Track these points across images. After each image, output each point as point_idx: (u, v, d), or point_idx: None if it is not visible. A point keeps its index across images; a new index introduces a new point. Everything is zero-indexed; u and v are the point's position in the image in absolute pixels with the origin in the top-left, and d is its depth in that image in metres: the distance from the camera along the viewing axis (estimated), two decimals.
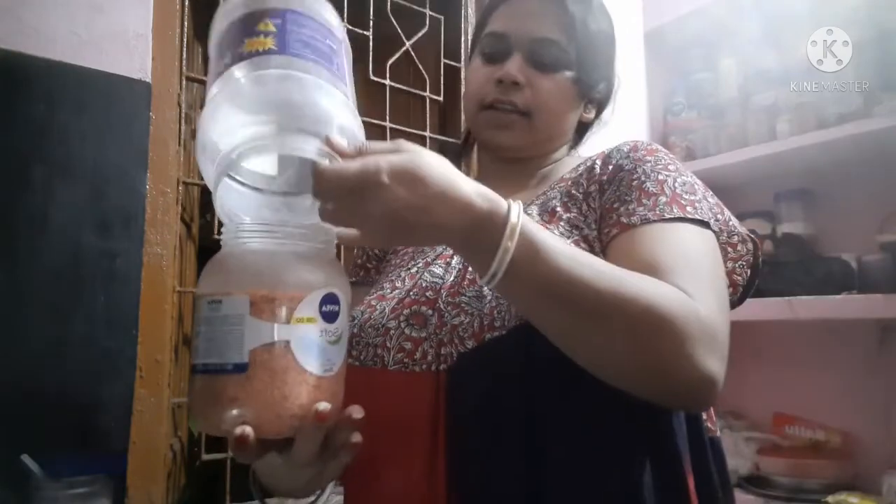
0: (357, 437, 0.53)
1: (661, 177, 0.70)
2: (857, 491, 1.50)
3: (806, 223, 1.77)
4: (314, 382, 0.50)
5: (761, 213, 1.83)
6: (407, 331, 0.69)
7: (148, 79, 1.12)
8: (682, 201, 0.68)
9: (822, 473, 1.57)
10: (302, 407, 0.49)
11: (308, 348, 0.50)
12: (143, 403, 1.06)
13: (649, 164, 0.71)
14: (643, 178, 0.70)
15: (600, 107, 0.89)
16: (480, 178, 0.90)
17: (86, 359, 1.02)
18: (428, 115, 1.63)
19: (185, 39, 1.22)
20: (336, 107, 0.54)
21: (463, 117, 1.68)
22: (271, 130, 0.51)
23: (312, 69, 0.53)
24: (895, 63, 1.50)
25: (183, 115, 1.20)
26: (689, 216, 0.66)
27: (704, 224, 0.67)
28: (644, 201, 0.67)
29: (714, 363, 0.56)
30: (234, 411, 0.48)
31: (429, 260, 0.77)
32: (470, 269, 0.71)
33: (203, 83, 1.34)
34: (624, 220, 0.67)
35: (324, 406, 0.49)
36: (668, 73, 2.08)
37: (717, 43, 1.97)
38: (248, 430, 0.47)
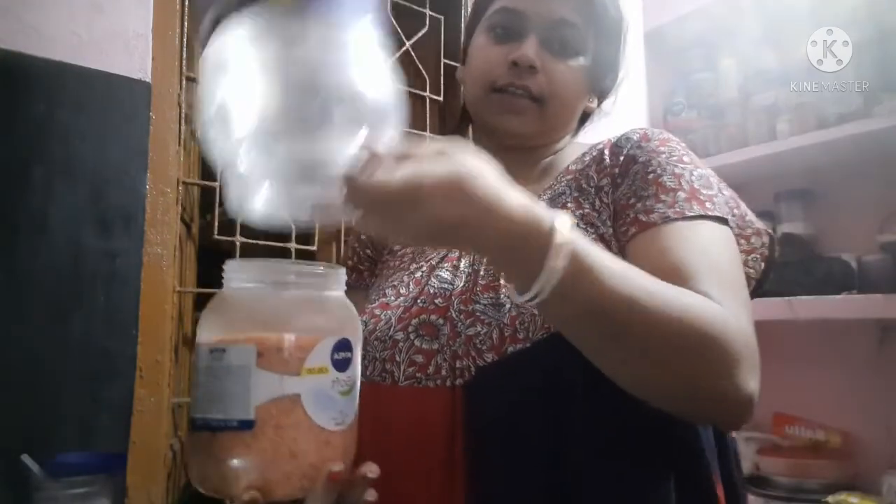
0: (372, 496, 0.49)
1: (677, 170, 0.66)
2: (857, 491, 1.50)
3: (806, 223, 1.77)
4: (326, 438, 0.46)
5: (761, 213, 1.81)
6: (417, 342, 0.65)
7: (148, 79, 1.12)
8: (701, 196, 0.64)
9: (822, 473, 1.57)
10: (313, 466, 0.46)
11: (319, 401, 0.46)
12: (143, 403, 1.06)
13: (664, 156, 0.68)
14: (659, 172, 0.66)
15: (602, 97, 0.85)
16: None
17: (86, 359, 1.02)
18: (428, 115, 1.63)
19: (185, 39, 1.22)
20: (378, 93, 0.47)
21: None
22: (308, 124, 0.44)
23: (351, 31, 0.45)
24: (895, 63, 1.50)
25: (183, 115, 1.20)
26: (710, 213, 0.63)
27: (723, 221, 0.64)
28: (662, 197, 0.64)
29: (753, 382, 0.55)
30: (240, 472, 0.44)
31: (433, 263, 0.73)
32: (482, 273, 0.67)
33: None
34: (643, 217, 0.63)
35: (338, 467, 0.46)
36: (668, 73, 2.08)
37: (717, 43, 1.97)
38: (256, 494, 0.44)
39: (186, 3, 1.22)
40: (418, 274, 0.73)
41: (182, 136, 1.19)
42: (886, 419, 1.59)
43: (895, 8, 1.54)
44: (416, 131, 1.61)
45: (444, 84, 1.65)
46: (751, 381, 0.54)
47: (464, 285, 0.67)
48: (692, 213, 0.62)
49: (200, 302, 1.61)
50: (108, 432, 1.02)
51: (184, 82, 1.21)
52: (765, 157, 1.72)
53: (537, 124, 0.77)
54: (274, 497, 0.45)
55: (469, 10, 1.71)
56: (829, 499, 1.48)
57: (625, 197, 0.67)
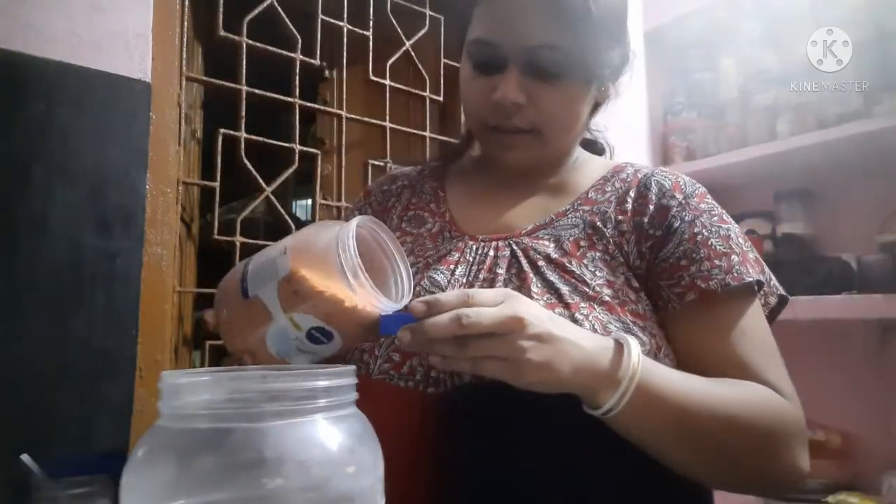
0: None
1: (723, 231, 0.69)
2: (857, 491, 1.51)
3: (806, 223, 1.77)
4: (264, 352, 0.57)
5: (761, 213, 1.83)
6: (396, 341, 0.65)
7: (148, 79, 1.12)
8: (752, 257, 0.69)
9: (822, 473, 1.57)
10: (243, 350, 0.59)
11: (278, 338, 0.55)
12: (143, 403, 1.06)
13: (706, 215, 0.70)
14: (706, 234, 0.68)
15: (615, 76, 0.77)
16: (487, 175, 0.82)
17: (86, 359, 1.02)
18: (428, 116, 1.63)
19: (185, 39, 1.22)
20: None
21: (463, 118, 1.68)
22: None
23: None
24: (895, 63, 1.50)
25: (183, 115, 1.20)
26: (762, 277, 0.69)
27: (762, 283, 0.69)
28: (717, 262, 0.66)
29: (806, 457, 0.63)
30: (226, 326, 0.59)
31: (430, 261, 0.72)
32: (476, 286, 0.67)
33: (203, 83, 1.34)
34: (702, 284, 0.65)
35: (248, 359, 0.58)
36: (668, 73, 2.08)
37: (717, 43, 1.97)
38: (212, 321, 0.56)
39: (186, 3, 1.22)
40: (413, 269, 0.70)
41: (182, 136, 1.19)
42: (886, 419, 1.59)
43: (895, 8, 1.54)
44: (416, 131, 1.61)
45: (444, 84, 1.65)
46: (805, 459, 0.63)
47: None
48: (750, 278, 0.66)
49: (200, 302, 1.61)
50: (108, 432, 1.02)
51: (184, 82, 1.21)
52: (765, 157, 1.72)
53: (538, 152, 0.74)
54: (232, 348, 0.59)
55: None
56: (829, 499, 1.48)
57: (674, 257, 0.68)
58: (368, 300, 0.54)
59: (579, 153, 0.81)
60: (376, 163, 1.53)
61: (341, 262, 0.53)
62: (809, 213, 1.78)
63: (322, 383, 0.40)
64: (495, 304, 0.53)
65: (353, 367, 0.45)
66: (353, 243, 0.53)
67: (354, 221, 0.56)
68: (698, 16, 1.92)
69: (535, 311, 0.54)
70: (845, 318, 1.56)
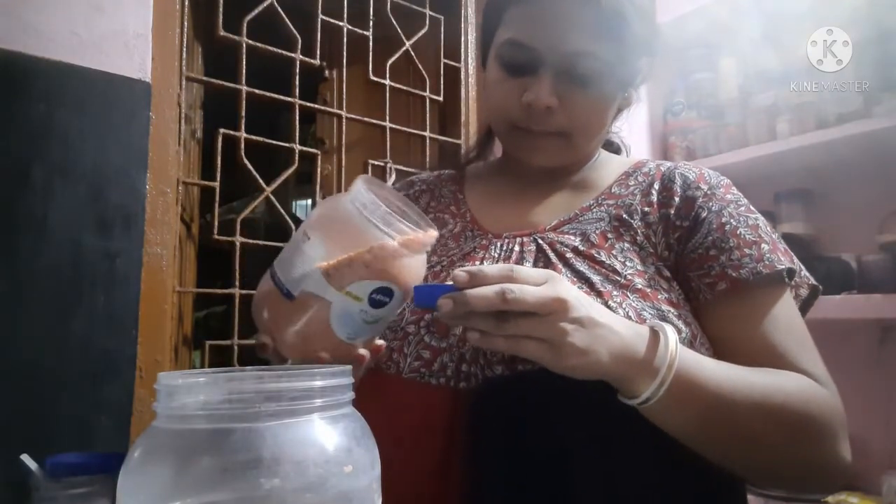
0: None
1: (751, 220, 0.69)
2: (857, 491, 1.50)
3: (806, 223, 1.76)
4: (335, 341, 0.55)
5: (761, 213, 1.81)
6: (426, 338, 0.65)
7: (148, 79, 1.12)
8: (781, 247, 0.69)
9: None
10: (313, 350, 0.57)
11: (342, 318, 0.54)
12: (143, 403, 1.06)
13: (733, 206, 0.70)
14: (734, 223, 0.68)
15: (642, 83, 0.78)
16: (507, 176, 0.82)
17: (86, 359, 1.02)
18: (428, 116, 1.63)
19: (185, 39, 1.22)
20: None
21: (463, 118, 1.68)
22: None
23: None
24: (895, 63, 1.50)
25: (183, 115, 1.20)
26: (794, 265, 0.68)
27: (791, 272, 0.69)
28: (746, 251, 0.66)
29: (849, 449, 0.62)
30: (268, 323, 0.58)
31: (454, 259, 0.72)
32: None
33: (203, 83, 1.34)
34: (732, 273, 0.65)
35: (325, 355, 0.56)
36: (668, 73, 2.07)
37: (717, 43, 1.97)
38: (269, 342, 0.57)
39: (186, 3, 1.22)
40: (437, 268, 0.72)
41: (182, 136, 1.20)
42: (886, 419, 1.59)
43: (895, 8, 1.54)
44: (416, 131, 1.61)
45: (443, 84, 1.65)
46: (847, 449, 0.62)
47: None
48: (782, 266, 0.66)
49: (200, 302, 1.61)
50: (108, 432, 1.02)
51: (184, 82, 1.21)
52: (765, 157, 1.72)
53: (566, 156, 0.74)
54: (280, 353, 0.58)
55: (469, 10, 1.71)
56: (830, 499, 1.47)
57: (703, 247, 0.67)
58: (409, 239, 0.54)
59: (600, 152, 0.82)
60: (376, 163, 1.53)
61: (367, 216, 0.53)
62: (809, 213, 1.77)
63: (318, 383, 0.40)
64: (538, 283, 0.52)
65: (349, 367, 0.45)
66: (371, 196, 0.54)
67: (359, 180, 0.56)
68: (698, 16, 1.91)
69: (578, 295, 0.53)
70: (845, 318, 1.55)
